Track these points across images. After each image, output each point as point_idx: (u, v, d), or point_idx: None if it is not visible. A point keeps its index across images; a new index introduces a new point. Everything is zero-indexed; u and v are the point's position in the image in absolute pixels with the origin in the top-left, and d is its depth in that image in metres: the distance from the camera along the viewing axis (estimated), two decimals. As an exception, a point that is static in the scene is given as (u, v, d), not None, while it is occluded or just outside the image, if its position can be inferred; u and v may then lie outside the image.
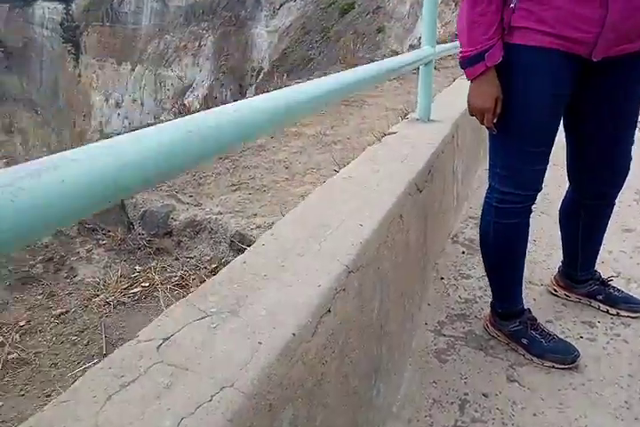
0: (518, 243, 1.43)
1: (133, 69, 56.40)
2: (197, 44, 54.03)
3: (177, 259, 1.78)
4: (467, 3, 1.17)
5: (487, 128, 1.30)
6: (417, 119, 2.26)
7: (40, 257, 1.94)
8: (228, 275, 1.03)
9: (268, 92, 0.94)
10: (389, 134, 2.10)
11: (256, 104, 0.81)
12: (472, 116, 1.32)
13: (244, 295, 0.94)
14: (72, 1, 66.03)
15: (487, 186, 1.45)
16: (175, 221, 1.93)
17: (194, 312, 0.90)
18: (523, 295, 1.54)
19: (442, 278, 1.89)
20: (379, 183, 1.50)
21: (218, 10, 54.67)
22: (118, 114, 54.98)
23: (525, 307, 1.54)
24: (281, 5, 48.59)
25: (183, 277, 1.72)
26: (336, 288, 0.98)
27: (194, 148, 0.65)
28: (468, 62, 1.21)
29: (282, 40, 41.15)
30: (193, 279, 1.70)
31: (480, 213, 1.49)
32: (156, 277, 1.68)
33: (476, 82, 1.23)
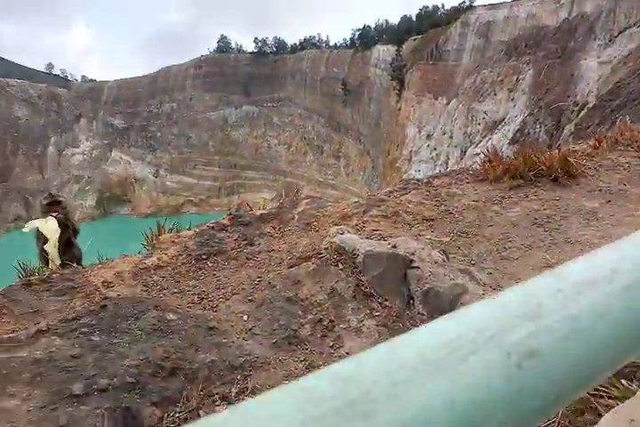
0: None
1: (448, 104, 59.10)
2: (515, 78, 53.00)
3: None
4: None
5: None
6: None
7: (310, 316, 1.77)
8: None
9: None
10: None
11: None
12: None
13: None
14: (403, 43, 74.57)
15: None
16: (465, 306, 1.52)
17: None
18: None
19: None
20: None
21: (542, 42, 52.62)
22: (428, 145, 58.43)
23: None
24: (620, 33, 43.48)
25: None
26: None
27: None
28: None
29: (615, 72, 36.45)
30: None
31: None
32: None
33: None
